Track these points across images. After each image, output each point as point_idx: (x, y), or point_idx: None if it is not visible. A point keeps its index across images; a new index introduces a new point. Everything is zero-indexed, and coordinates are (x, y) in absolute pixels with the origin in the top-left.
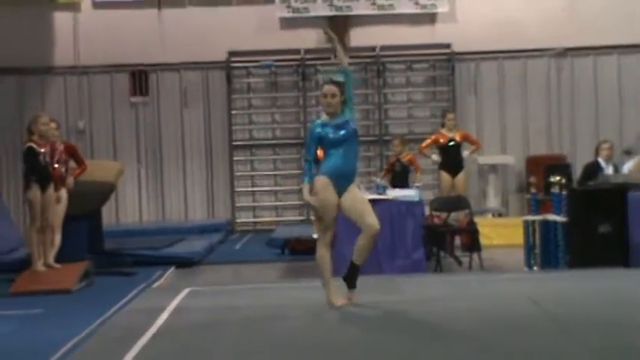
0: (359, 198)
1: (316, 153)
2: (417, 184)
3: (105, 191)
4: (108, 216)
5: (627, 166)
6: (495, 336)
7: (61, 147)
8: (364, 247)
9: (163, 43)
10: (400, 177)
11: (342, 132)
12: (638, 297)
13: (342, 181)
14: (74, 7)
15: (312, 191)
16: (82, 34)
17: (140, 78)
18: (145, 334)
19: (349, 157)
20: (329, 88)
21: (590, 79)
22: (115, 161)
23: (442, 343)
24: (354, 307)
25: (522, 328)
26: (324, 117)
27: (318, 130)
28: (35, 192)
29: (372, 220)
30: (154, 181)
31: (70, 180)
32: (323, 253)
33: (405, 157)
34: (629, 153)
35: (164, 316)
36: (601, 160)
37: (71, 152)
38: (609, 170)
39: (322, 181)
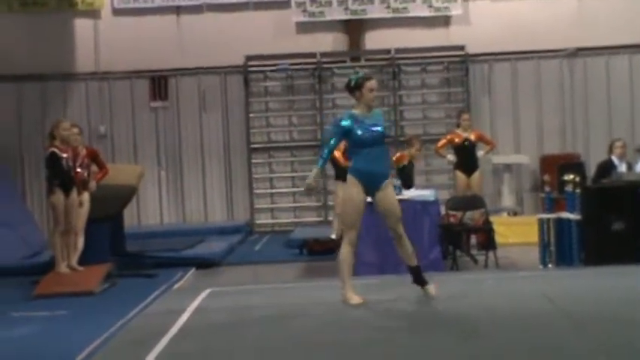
0: (394, 202)
1: (337, 145)
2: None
3: (126, 194)
4: (129, 218)
5: None
6: (511, 333)
7: (83, 152)
8: (406, 250)
9: (182, 49)
10: (409, 176)
11: (370, 134)
12: None
13: (372, 181)
14: (94, 14)
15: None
16: (102, 40)
17: (160, 83)
18: (167, 335)
19: (377, 158)
20: (375, 83)
21: (602, 78)
22: (136, 165)
23: (458, 341)
24: (371, 306)
25: (537, 326)
26: (356, 110)
27: (347, 123)
28: (58, 196)
29: (401, 228)
30: (174, 184)
31: (93, 184)
32: (345, 251)
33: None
34: None
35: (185, 316)
36: (614, 158)
37: (93, 156)
38: (622, 168)
39: (350, 179)
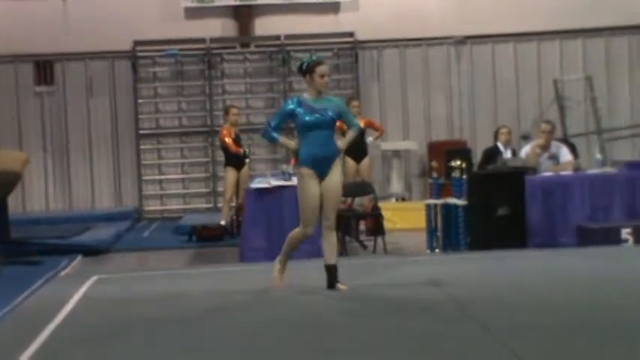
0: (337, 188)
1: (279, 127)
2: None
3: (10, 181)
4: (14, 205)
5: (524, 151)
6: (397, 318)
7: None
8: (331, 244)
9: (68, 33)
10: None
11: (317, 115)
12: (534, 276)
13: (321, 165)
14: None
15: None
16: None
17: (45, 67)
18: (52, 323)
19: (324, 141)
20: (327, 68)
21: (488, 66)
22: (20, 151)
23: (344, 326)
24: (260, 292)
25: (423, 310)
26: (306, 95)
27: (291, 106)
28: None
29: (334, 220)
30: (61, 170)
31: None
32: (294, 232)
33: None
34: (526, 138)
35: (71, 304)
36: (500, 145)
37: None
38: (508, 154)
39: (303, 170)
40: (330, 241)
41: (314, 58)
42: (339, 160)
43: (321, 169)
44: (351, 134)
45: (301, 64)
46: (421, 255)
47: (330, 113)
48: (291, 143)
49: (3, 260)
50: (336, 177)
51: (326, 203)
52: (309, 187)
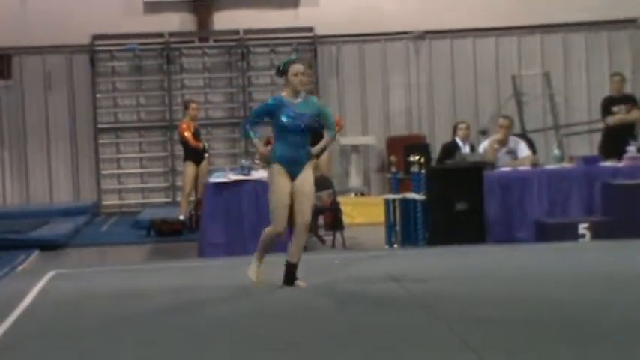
0: (307, 192)
1: (256, 123)
2: None
3: None
4: None
5: (483, 146)
6: (356, 312)
7: None
8: (299, 244)
9: (26, 27)
10: None
11: (293, 123)
12: (492, 271)
13: (294, 167)
14: None
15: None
16: None
17: (2, 61)
18: (10, 317)
19: (298, 144)
20: (300, 66)
21: (447, 61)
22: None
23: (301, 321)
24: (219, 288)
25: (382, 305)
26: (284, 94)
27: (272, 102)
28: None
29: (309, 218)
30: (18, 165)
31: None
32: (265, 234)
33: None
34: (484, 133)
35: (29, 298)
36: (458, 140)
37: None
38: (466, 150)
39: (275, 168)
40: (300, 239)
41: (291, 57)
42: (310, 164)
43: (292, 170)
44: (325, 141)
45: (279, 66)
46: (380, 250)
47: (308, 119)
48: (262, 149)
49: None
50: (309, 176)
51: (300, 200)
52: (280, 184)
